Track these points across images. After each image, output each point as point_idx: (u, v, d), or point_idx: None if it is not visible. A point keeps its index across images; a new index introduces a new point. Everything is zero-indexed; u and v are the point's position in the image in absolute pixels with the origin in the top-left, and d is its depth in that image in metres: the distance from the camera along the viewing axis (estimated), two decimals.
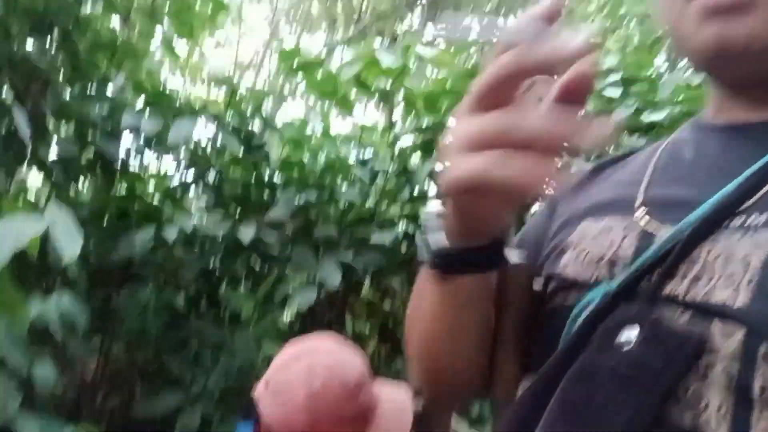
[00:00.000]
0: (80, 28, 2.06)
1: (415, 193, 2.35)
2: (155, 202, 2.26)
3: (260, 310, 1.98)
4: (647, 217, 0.44)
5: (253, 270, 2.02)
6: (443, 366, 0.52)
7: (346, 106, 2.21)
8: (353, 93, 2.31)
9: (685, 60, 0.49)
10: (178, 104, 2.05)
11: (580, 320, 0.42)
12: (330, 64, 2.51)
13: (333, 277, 1.82)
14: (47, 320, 1.11)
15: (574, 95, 0.33)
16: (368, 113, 2.71)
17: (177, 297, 1.85)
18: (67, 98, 1.92)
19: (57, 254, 1.12)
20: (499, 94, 0.34)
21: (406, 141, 2.55)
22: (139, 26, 2.55)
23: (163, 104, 1.99)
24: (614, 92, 2.13)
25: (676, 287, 0.39)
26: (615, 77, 2.34)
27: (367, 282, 2.42)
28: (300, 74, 2.43)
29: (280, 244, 1.94)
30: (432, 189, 2.49)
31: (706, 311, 0.37)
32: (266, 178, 2.28)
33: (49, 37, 2.03)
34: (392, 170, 2.43)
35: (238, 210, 2.16)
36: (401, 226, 2.27)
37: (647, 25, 5.04)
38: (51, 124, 1.85)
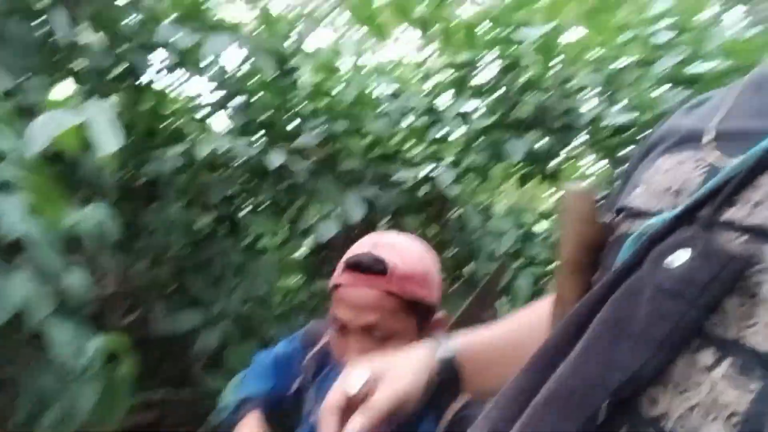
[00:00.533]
0: None
1: (442, 134, 2.31)
2: (182, 122, 2.25)
3: (282, 238, 2.01)
4: (717, 150, 0.44)
5: (277, 197, 2.02)
6: None
7: (382, 34, 2.13)
8: (390, 19, 2.22)
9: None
10: (213, 21, 1.99)
11: (636, 245, 0.43)
12: None
13: (356, 212, 1.82)
14: (80, 230, 1.13)
15: None
16: (403, 44, 2.61)
17: (201, 218, 1.88)
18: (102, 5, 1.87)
19: (92, 164, 1.12)
20: None
21: (439, 78, 2.48)
22: None
23: (197, 20, 1.94)
24: (663, 37, 2.01)
25: (736, 213, 0.39)
26: (666, 22, 2.21)
27: (384, 220, 2.43)
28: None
29: (305, 173, 1.93)
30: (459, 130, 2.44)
31: (762, 234, 0.37)
32: (294, 106, 2.24)
33: None
34: (422, 108, 2.37)
35: (265, 136, 2.14)
36: (424, 167, 2.24)
37: None
38: (83, 33, 1.82)
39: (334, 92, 2.28)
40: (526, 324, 0.65)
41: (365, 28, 2.48)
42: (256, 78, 2.21)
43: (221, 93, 2.21)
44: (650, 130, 0.55)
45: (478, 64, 2.30)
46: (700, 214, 0.41)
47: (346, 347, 0.88)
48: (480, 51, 2.22)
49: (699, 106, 0.55)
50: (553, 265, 2.31)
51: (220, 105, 2.23)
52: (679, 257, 0.38)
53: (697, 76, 2.00)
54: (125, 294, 1.75)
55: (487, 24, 2.16)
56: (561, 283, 0.51)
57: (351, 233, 2.23)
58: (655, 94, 2.22)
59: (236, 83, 2.19)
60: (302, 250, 1.94)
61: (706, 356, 0.36)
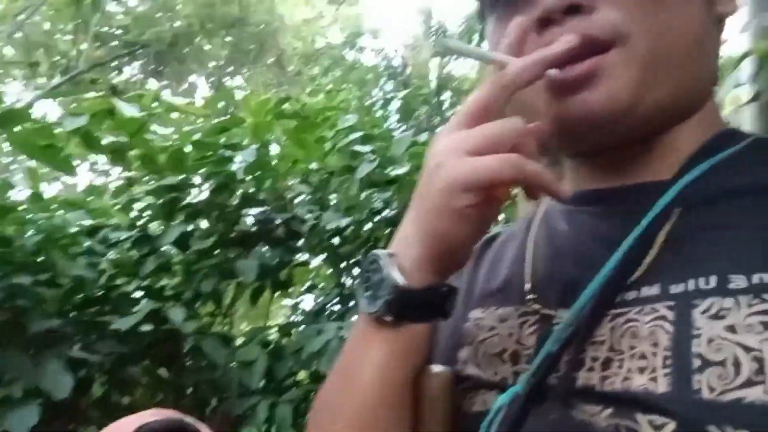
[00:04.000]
0: None
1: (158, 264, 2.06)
2: None
3: None
4: (539, 303, 0.42)
5: None
6: None
7: (66, 167, 1.83)
8: (76, 150, 1.93)
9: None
10: None
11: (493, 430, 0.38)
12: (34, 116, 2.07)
13: (62, 383, 1.43)
14: None
15: None
16: (94, 172, 2.32)
17: None
18: None
19: None
20: (490, 111, 0.40)
21: (143, 203, 2.25)
22: None
23: None
24: (362, 147, 2.24)
25: (590, 377, 0.36)
26: (356, 134, 2.47)
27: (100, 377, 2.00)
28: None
29: None
30: (177, 257, 2.23)
31: (628, 403, 0.34)
32: None
33: None
34: (130, 238, 2.09)
35: None
36: (142, 306, 1.95)
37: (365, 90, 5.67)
38: None
39: (7, 235, 1.83)
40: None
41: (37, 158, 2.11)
42: None
43: None
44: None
45: (188, 185, 2.17)
46: (550, 381, 0.37)
47: None
48: (188, 172, 2.11)
49: (488, 247, 0.54)
50: (303, 379, 2.23)
51: None
52: None
53: (394, 178, 2.26)
54: None
55: (194, 144, 2.07)
56: None
57: (59, 406, 1.75)
58: (361, 196, 2.43)
59: None
60: None
61: None
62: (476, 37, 6.11)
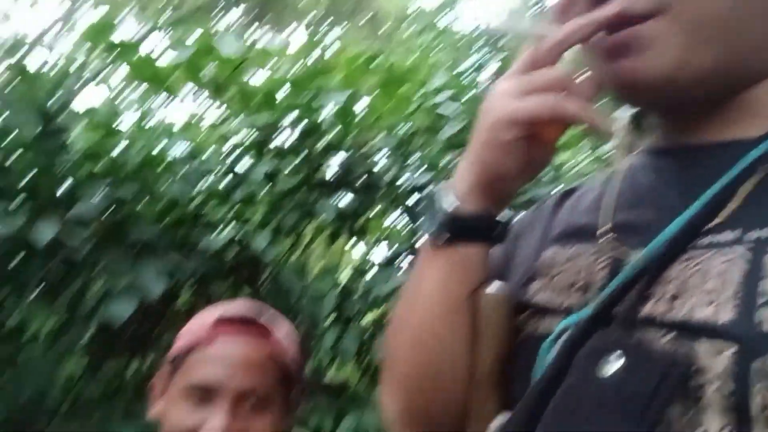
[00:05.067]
0: None
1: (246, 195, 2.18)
2: None
3: (60, 323, 1.63)
4: (614, 242, 0.44)
5: (48, 277, 1.64)
6: (434, 368, 0.48)
7: (168, 93, 1.96)
8: (178, 80, 2.06)
9: None
10: None
11: (554, 350, 0.40)
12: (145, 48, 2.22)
13: (155, 285, 1.57)
14: None
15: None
16: (195, 105, 2.45)
17: None
18: None
19: None
20: (541, 64, 0.45)
21: (237, 139, 2.37)
22: None
23: None
24: (446, 108, 2.24)
25: (654, 308, 0.38)
26: (445, 94, 2.47)
27: (187, 290, 2.17)
28: (112, 56, 2.10)
29: (87, 246, 1.61)
30: (263, 191, 2.35)
31: (690, 330, 0.36)
32: (65, 170, 1.90)
33: None
34: (222, 169, 2.23)
35: (28, 205, 1.75)
36: (228, 230, 2.08)
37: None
38: None
39: (114, 154, 2.00)
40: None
41: (146, 87, 2.27)
42: (11, 137, 1.83)
43: None
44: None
45: (278, 126, 2.26)
46: (616, 311, 0.39)
47: (203, 421, 0.70)
48: (280, 114, 2.19)
49: (567, 197, 0.56)
50: (369, 319, 2.31)
51: None
52: (611, 364, 0.35)
53: None
54: None
55: (286, 88, 2.15)
56: (477, 399, 0.46)
57: (149, 307, 1.92)
58: (443, 157, 2.44)
59: None
60: (89, 333, 1.59)
61: None
62: None
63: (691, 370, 0.34)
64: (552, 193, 0.60)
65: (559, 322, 0.42)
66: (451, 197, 0.47)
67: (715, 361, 0.34)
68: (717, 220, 0.39)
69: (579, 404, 0.35)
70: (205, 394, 0.72)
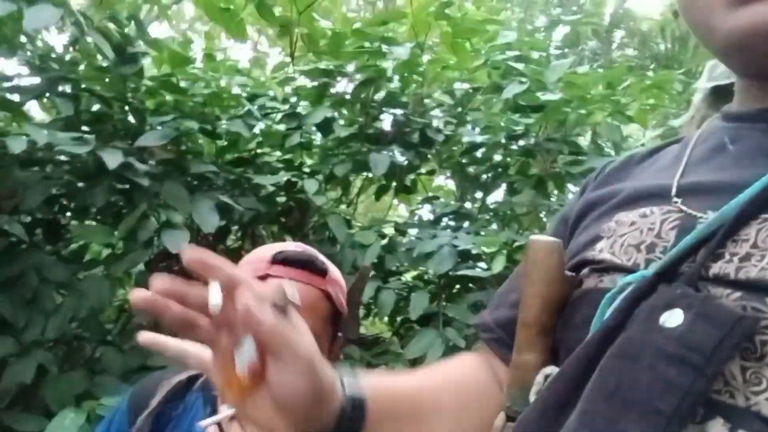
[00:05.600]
0: None
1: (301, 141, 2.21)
2: None
3: (119, 249, 1.73)
4: (685, 203, 0.43)
5: (111, 202, 1.75)
6: None
7: (239, 32, 1.98)
8: (248, 17, 2.07)
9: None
10: None
11: (617, 302, 0.39)
12: None
13: (209, 219, 1.64)
14: None
15: None
16: (261, 45, 2.46)
17: (13, 224, 1.54)
18: None
19: None
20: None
21: (299, 83, 2.38)
22: None
23: None
24: (518, 65, 2.16)
25: (725, 267, 0.37)
26: (511, 53, 2.38)
27: (235, 228, 2.26)
28: None
29: (147, 175, 1.69)
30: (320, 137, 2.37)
31: (759, 288, 0.35)
32: (136, 99, 1.98)
33: None
34: (281, 111, 2.26)
35: (98, 131, 1.84)
36: (282, 174, 2.13)
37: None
38: None
39: (183, 85, 2.06)
40: (444, 384, 0.58)
41: (215, 25, 2.29)
42: (85, 63, 1.91)
43: (39, 78, 1.87)
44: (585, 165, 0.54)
45: (341, 72, 2.25)
46: (682, 269, 0.39)
47: None
48: (344, 60, 2.18)
49: (636, 163, 0.55)
50: (410, 276, 2.35)
51: (40, 91, 1.88)
52: (674, 317, 0.35)
53: (542, 104, 2.17)
54: None
55: (354, 34, 2.12)
56: (524, 346, 0.47)
57: (199, 242, 2.02)
58: (504, 118, 2.37)
59: (62, 67, 1.87)
60: (145, 260, 1.69)
61: (716, 427, 0.34)
62: None
63: (758, 326, 0.34)
64: (617, 158, 0.59)
65: (622, 278, 0.42)
66: None
67: None
68: None
69: (639, 352, 0.35)
70: None
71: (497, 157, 2.49)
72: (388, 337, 2.08)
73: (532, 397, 0.44)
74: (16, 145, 1.40)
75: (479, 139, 2.42)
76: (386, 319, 2.07)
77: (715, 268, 0.37)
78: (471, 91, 2.46)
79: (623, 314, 0.38)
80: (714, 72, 1.56)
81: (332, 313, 0.81)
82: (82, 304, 1.52)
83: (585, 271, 0.47)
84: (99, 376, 1.53)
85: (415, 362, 1.67)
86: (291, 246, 0.85)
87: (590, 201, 0.53)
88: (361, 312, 1.97)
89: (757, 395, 0.33)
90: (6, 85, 1.84)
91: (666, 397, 0.33)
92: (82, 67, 1.96)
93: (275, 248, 0.83)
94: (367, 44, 2.16)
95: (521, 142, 2.39)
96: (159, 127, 1.86)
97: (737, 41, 0.41)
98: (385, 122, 2.45)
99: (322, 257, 0.84)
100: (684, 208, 0.43)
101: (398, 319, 1.99)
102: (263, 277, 0.79)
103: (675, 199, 0.44)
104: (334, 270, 0.85)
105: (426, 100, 2.46)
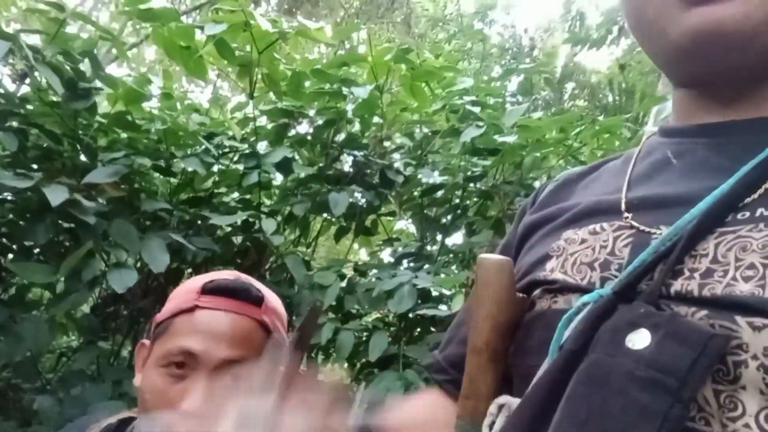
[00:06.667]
0: None
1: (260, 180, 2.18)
2: None
3: (61, 290, 1.64)
4: (637, 219, 0.42)
5: (57, 241, 1.66)
6: None
7: (199, 71, 1.96)
8: (209, 56, 2.06)
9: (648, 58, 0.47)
10: None
11: (574, 324, 0.37)
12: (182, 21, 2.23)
13: (160, 259, 1.57)
14: None
15: None
16: (220, 84, 2.46)
17: None
18: None
19: None
20: None
21: (260, 122, 2.37)
22: None
23: None
24: (474, 109, 2.22)
25: (687, 284, 0.36)
26: (469, 98, 2.45)
27: (189, 271, 2.18)
28: (145, 25, 2.12)
29: (94, 213, 1.62)
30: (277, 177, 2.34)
31: (726, 306, 0.33)
32: (87, 135, 1.92)
33: None
34: (240, 152, 2.23)
35: (45, 168, 1.77)
36: (240, 214, 2.08)
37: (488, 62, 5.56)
38: None
39: (138, 122, 2.01)
40: (422, 420, 0.55)
41: (174, 67, 2.28)
42: (36, 98, 1.85)
43: None
44: (518, 199, 0.53)
45: (301, 113, 2.26)
46: (641, 287, 0.37)
47: (183, 392, 0.68)
48: (306, 101, 2.19)
49: (575, 182, 0.54)
50: (370, 318, 2.30)
51: None
52: (640, 338, 0.33)
53: (498, 147, 2.22)
54: None
55: (313, 75, 2.14)
56: (475, 373, 0.44)
57: (150, 284, 1.93)
58: (461, 161, 2.41)
59: (9, 102, 1.80)
60: (86, 305, 1.59)
61: None
62: (615, 29, 5.77)
63: (729, 345, 0.32)
64: (552, 180, 0.58)
65: (577, 298, 0.40)
66: None
67: (758, 337, 0.32)
68: (754, 196, 0.37)
69: (608, 378, 0.33)
70: (186, 363, 0.70)
71: (456, 199, 2.51)
72: (347, 383, 2.01)
73: (485, 431, 0.42)
74: None
75: (438, 180, 2.45)
76: (345, 364, 2.00)
77: (677, 285, 0.36)
78: (430, 134, 2.51)
79: (584, 336, 0.36)
80: (659, 116, 1.63)
81: (268, 343, 0.76)
82: (18, 349, 1.41)
83: (537, 292, 0.45)
84: (34, 427, 1.41)
85: None
86: (223, 274, 0.79)
87: (533, 222, 0.52)
88: (320, 357, 1.91)
89: (734, 421, 0.32)
90: None
91: (642, 426, 0.30)
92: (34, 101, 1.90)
93: (206, 278, 0.78)
94: (327, 85, 2.18)
95: (479, 185, 2.43)
96: (110, 164, 1.80)
97: (689, 42, 0.41)
98: (346, 163, 2.46)
99: (258, 285, 0.79)
100: (635, 223, 0.42)
101: (357, 363, 1.94)
102: (191, 309, 0.73)
103: (625, 215, 0.43)
104: (272, 299, 0.79)
105: (386, 143, 2.48)
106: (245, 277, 0.80)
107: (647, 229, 0.41)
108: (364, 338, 1.80)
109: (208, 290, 0.75)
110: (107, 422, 0.77)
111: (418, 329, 2.05)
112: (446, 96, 2.45)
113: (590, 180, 0.53)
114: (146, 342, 0.78)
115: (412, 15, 7.59)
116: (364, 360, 1.89)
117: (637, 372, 0.32)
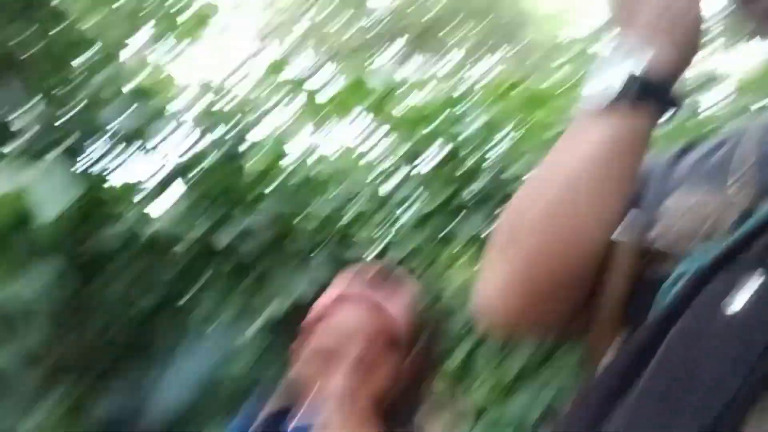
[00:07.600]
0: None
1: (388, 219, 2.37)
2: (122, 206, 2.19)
3: (230, 319, 1.92)
4: (745, 191, 0.43)
5: (223, 277, 1.97)
6: (570, 229, 0.45)
7: (339, 115, 2.24)
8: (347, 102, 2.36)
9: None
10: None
11: (676, 289, 0.40)
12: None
13: (306, 290, 1.79)
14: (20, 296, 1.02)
15: None
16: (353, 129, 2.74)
17: (143, 299, 1.78)
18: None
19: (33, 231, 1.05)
20: None
21: (385, 165, 2.58)
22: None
23: (145, 101, 1.96)
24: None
25: None
26: None
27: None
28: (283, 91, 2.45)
29: (253, 253, 1.90)
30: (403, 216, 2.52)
31: None
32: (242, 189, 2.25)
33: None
34: (368, 194, 2.45)
35: (212, 217, 2.11)
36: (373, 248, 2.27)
37: None
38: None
39: (281, 177, 2.32)
40: None
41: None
42: (206, 160, 2.23)
43: (164, 174, 2.20)
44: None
45: (422, 152, 2.43)
46: (742, 255, 0.38)
47: (326, 380, 0.87)
48: (429, 140, 2.37)
49: (692, 148, 0.54)
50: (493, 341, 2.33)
51: (164, 186, 2.20)
52: (737, 301, 0.34)
53: None
54: (55, 372, 1.57)
55: (430, 116, 2.31)
56: (598, 339, 0.47)
57: (298, 312, 2.16)
58: None
59: (183, 166, 2.19)
60: (251, 331, 1.86)
61: None
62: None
63: None
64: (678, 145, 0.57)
65: (679, 266, 0.41)
66: (640, 57, 0.44)
67: None
68: None
69: (700, 333, 0.34)
70: (326, 358, 0.87)
71: None
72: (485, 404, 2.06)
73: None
74: (141, 233, 1.65)
75: None
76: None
77: None
78: None
79: (683, 301, 0.37)
80: None
81: (389, 340, 0.91)
82: (201, 369, 1.68)
83: (645, 258, 0.47)
84: None
85: None
86: (355, 283, 0.97)
87: (655, 181, 0.52)
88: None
89: None
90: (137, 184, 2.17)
91: (731, 376, 0.32)
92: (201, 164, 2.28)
93: (342, 286, 0.98)
94: (443, 124, 2.32)
95: None
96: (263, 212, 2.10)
97: None
98: (468, 194, 2.56)
99: (382, 290, 0.95)
100: (744, 195, 0.43)
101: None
102: (329, 314, 0.94)
103: (733, 189, 0.44)
104: (397, 301, 0.95)
105: (508, 169, 2.56)
106: (374, 283, 0.97)
107: (753, 203, 0.42)
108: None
109: (340, 299, 0.94)
110: (269, 410, 0.95)
111: None
112: (562, 121, 2.48)
113: (708, 148, 0.53)
114: (299, 341, 0.96)
115: (527, 46, 7.62)
116: None
117: (731, 330, 0.34)
